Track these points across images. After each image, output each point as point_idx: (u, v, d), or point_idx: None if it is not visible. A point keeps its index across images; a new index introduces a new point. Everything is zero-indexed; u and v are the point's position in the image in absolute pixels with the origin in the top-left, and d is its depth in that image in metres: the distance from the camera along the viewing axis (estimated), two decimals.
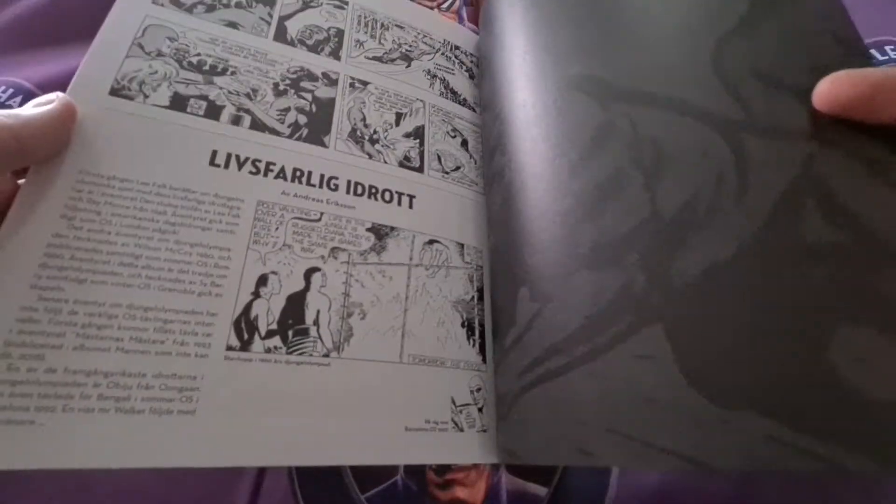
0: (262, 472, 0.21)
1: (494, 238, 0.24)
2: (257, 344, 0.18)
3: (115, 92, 0.20)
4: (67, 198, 0.17)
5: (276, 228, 0.20)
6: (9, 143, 0.16)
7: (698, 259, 0.16)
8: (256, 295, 0.19)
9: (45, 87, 0.31)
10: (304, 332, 0.19)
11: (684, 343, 0.15)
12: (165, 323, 0.17)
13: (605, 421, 0.16)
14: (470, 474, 0.23)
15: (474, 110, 0.29)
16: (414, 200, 0.24)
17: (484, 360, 0.22)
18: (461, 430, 0.20)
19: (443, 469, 0.23)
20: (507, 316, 0.21)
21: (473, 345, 0.22)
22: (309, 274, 0.20)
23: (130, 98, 0.20)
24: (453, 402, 0.20)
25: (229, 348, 0.17)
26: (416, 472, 0.23)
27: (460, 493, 0.23)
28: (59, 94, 0.18)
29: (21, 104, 0.29)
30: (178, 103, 0.21)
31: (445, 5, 0.38)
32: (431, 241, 0.23)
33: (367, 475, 0.22)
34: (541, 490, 0.23)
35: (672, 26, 0.20)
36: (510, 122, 0.24)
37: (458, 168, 0.26)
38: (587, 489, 0.24)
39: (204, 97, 0.21)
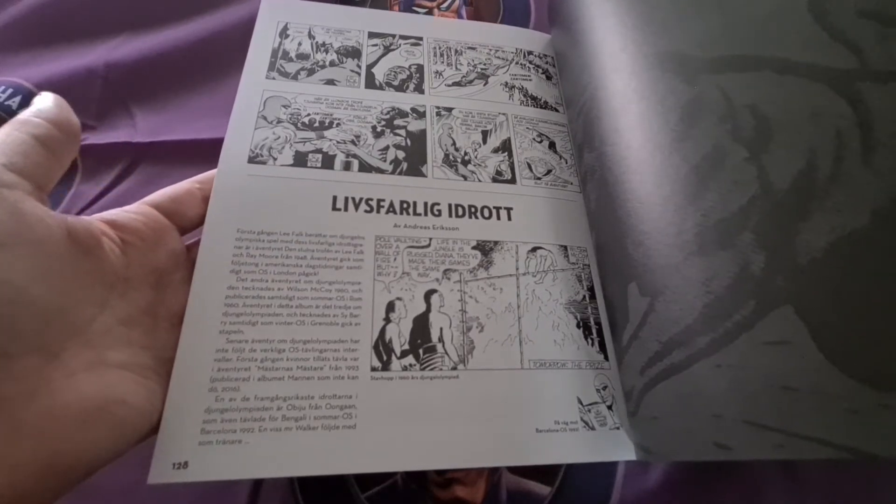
0: None
1: (597, 235, 0.24)
2: (395, 363, 0.20)
3: (251, 160, 0.24)
4: (232, 255, 0.21)
5: (395, 259, 0.22)
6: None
7: (826, 231, 0.14)
8: (388, 320, 0.21)
9: (45, 87, 0.31)
10: (433, 350, 0.21)
11: (822, 324, 0.14)
12: (321, 352, 0.20)
13: (740, 413, 0.15)
14: (470, 473, 0.23)
15: (557, 110, 0.29)
16: (511, 212, 0.25)
17: (606, 357, 0.22)
18: (592, 428, 0.20)
19: None
20: (620, 313, 0.21)
21: (592, 343, 0.22)
22: (428, 296, 0.22)
23: (263, 163, 0.24)
24: (580, 401, 0.21)
25: (373, 369, 0.20)
26: (415, 470, 0.22)
27: (460, 491, 0.23)
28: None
29: (21, 104, 0.30)
30: (300, 160, 0.24)
31: (445, 5, 0.38)
32: (534, 249, 0.24)
33: (368, 474, 0.22)
34: (543, 489, 0.23)
35: None
36: (593, 117, 0.24)
37: (549, 171, 0.27)
38: (592, 489, 0.23)
39: (319, 151, 0.25)
